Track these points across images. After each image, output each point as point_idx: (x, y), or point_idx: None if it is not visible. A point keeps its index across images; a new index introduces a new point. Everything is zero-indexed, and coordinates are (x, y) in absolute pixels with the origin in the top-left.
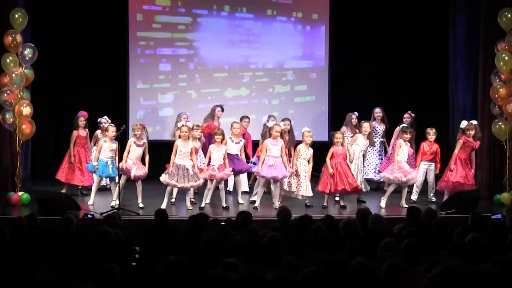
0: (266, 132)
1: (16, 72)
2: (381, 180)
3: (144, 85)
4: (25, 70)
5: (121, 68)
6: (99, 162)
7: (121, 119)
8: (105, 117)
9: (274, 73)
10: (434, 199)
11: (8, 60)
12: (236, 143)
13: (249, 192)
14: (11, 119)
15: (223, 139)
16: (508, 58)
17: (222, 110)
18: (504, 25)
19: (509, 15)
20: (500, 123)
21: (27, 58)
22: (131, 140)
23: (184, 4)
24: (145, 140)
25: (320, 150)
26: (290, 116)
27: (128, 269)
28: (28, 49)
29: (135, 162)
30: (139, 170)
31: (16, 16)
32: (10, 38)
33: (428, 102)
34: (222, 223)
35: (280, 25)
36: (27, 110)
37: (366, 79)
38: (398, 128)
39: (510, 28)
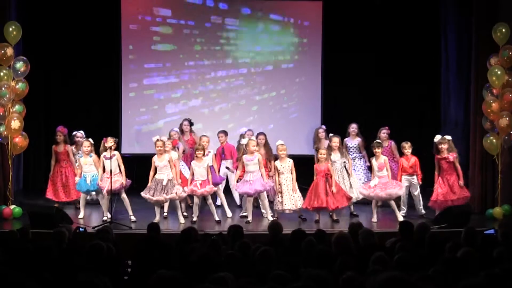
0: (240, 145)
1: (5, 86)
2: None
3: (136, 98)
4: (19, 84)
5: (113, 81)
6: (82, 177)
7: (113, 133)
8: (81, 131)
9: (267, 88)
10: (423, 211)
11: (1, 74)
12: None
13: (241, 206)
14: (5, 132)
15: (204, 154)
16: (501, 72)
17: (191, 124)
18: (498, 40)
19: (503, 30)
20: (492, 137)
21: (19, 72)
22: (102, 155)
23: (175, 28)
24: (115, 152)
25: (312, 164)
26: (282, 131)
27: (120, 283)
28: (20, 62)
29: (109, 176)
30: (114, 183)
31: (10, 29)
32: (2, 52)
33: (420, 116)
34: (213, 237)
35: (272, 42)
36: (16, 123)
37: (358, 94)
38: (393, 144)
39: (504, 43)
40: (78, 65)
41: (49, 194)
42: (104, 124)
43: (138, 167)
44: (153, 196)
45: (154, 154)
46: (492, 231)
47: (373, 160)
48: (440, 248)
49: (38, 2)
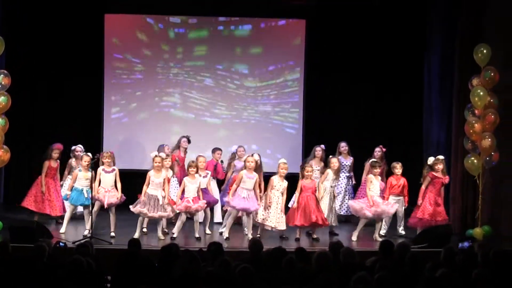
0: (232, 162)
1: None
2: (350, 214)
3: (119, 113)
4: (1, 97)
5: (96, 97)
6: (74, 190)
7: (95, 148)
8: (80, 145)
9: (251, 106)
10: (403, 232)
11: None
12: (203, 176)
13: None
14: None
15: (197, 171)
16: (483, 93)
17: (189, 141)
18: (479, 61)
19: (484, 51)
20: (473, 158)
21: (0, 85)
22: (100, 168)
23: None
24: (114, 167)
25: (294, 182)
26: (264, 149)
27: None
28: (1, 75)
29: (107, 190)
30: (111, 197)
31: None
32: None
33: (402, 136)
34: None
35: (257, 62)
36: None
37: (340, 112)
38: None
39: (485, 64)
40: (61, 80)
41: (46, 210)
42: (86, 139)
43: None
44: (148, 211)
45: (134, 170)
46: (466, 244)
47: (372, 178)
48: (420, 267)
49: (21, 16)
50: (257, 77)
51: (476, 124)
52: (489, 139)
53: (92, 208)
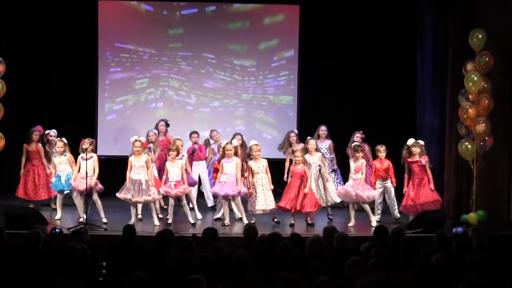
0: (209, 147)
1: None
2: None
3: (112, 102)
4: None
5: (90, 85)
6: (57, 176)
7: (89, 134)
8: (54, 130)
9: (246, 90)
10: (398, 215)
11: None
12: (179, 159)
13: (214, 209)
14: None
15: (177, 154)
16: (478, 78)
17: (167, 125)
18: (474, 46)
19: (480, 36)
20: (467, 143)
21: None
22: (80, 156)
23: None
24: (93, 155)
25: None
26: (255, 134)
27: (94, 285)
28: None
29: (83, 177)
30: (81, 185)
31: None
32: None
33: (396, 122)
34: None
35: (252, 46)
36: None
37: (333, 99)
38: (367, 148)
39: (480, 49)
40: (56, 67)
41: (20, 193)
42: (81, 127)
43: (113, 169)
44: (132, 196)
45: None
46: (460, 229)
47: (351, 162)
48: (414, 253)
49: (21, 15)
50: (252, 61)
51: (470, 109)
52: (483, 124)
53: (82, 195)
